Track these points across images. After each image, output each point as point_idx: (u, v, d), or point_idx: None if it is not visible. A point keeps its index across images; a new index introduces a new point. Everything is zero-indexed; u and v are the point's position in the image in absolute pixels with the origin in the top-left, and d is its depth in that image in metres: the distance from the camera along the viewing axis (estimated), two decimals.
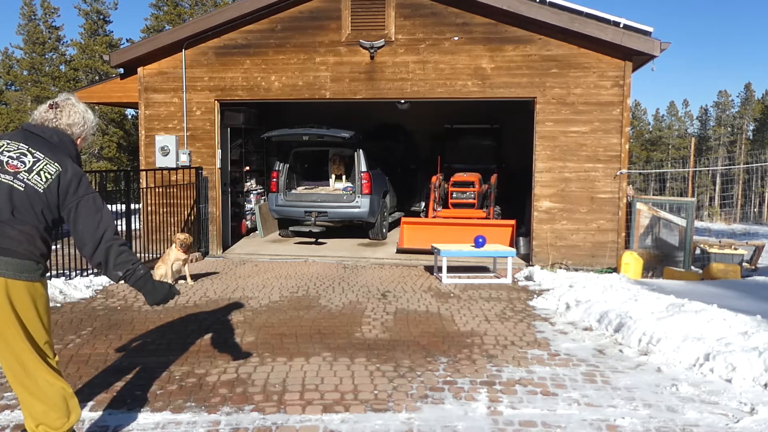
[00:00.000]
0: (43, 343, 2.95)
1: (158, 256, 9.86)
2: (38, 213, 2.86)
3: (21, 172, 2.85)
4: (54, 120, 3.05)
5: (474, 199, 12.22)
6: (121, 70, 10.98)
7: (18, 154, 2.89)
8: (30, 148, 2.92)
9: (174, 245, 7.88)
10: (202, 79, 10.50)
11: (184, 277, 8.19)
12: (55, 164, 2.90)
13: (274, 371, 4.87)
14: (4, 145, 2.93)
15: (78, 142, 3.11)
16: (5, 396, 4.34)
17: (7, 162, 2.87)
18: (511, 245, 9.94)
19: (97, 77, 38.09)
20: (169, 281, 2.70)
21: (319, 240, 11.95)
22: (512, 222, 10.57)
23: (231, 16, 10.19)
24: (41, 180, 2.86)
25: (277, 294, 7.65)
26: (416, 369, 4.93)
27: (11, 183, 2.83)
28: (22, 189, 2.83)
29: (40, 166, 2.88)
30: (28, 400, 2.97)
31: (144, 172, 10.47)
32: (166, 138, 10.53)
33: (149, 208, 9.97)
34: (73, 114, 3.09)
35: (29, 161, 2.88)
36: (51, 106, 3.07)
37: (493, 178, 12.43)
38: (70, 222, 2.92)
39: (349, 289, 7.94)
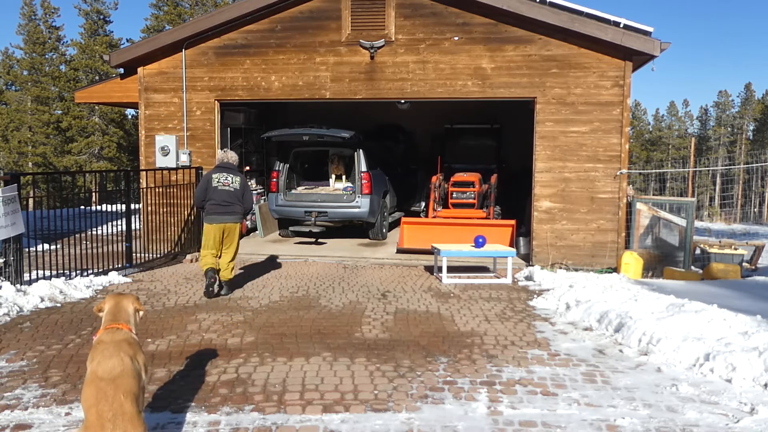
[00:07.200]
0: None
1: (159, 255, 9.90)
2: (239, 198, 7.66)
3: (231, 183, 7.57)
4: (226, 157, 7.77)
5: (474, 199, 12.21)
6: (121, 70, 10.98)
7: (224, 177, 7.59)
8: (228, 174, 7.62)
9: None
10: (202, 79, 10.50)
11: None
12: (238, 177, 7.65)
13: (274, 371, 4.87)
14: (217, 176, 7.58)
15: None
16: (5, 396, 4.35)
17: (222, 182, 7.54)
18: (511, 245, 9.93)
19: (97, 77, 38.12)
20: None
21: (319, 240, 11.95)
22: (512, 222, 10.56)
23: (231, 16, 10.20)
24: (235, 184, 7.61)
25: (277, 294, 7.66)
26: (416, 369, 4.93)
27: (228, 188, 7.52)
28: (233, 190, 7.54)
29: (233, 179, 7.64)
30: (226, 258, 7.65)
31: (144, 172, 10.47)
32: (166, 138, 10.53)
33: (149, 208, 9.98)
34: (230, 154, 7.86)
35: (231, 178, 7.62)
36: (223, 152, 7.94)
37: (493, 178, 12.43)
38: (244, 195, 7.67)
39: (349, 289, 7.94)
